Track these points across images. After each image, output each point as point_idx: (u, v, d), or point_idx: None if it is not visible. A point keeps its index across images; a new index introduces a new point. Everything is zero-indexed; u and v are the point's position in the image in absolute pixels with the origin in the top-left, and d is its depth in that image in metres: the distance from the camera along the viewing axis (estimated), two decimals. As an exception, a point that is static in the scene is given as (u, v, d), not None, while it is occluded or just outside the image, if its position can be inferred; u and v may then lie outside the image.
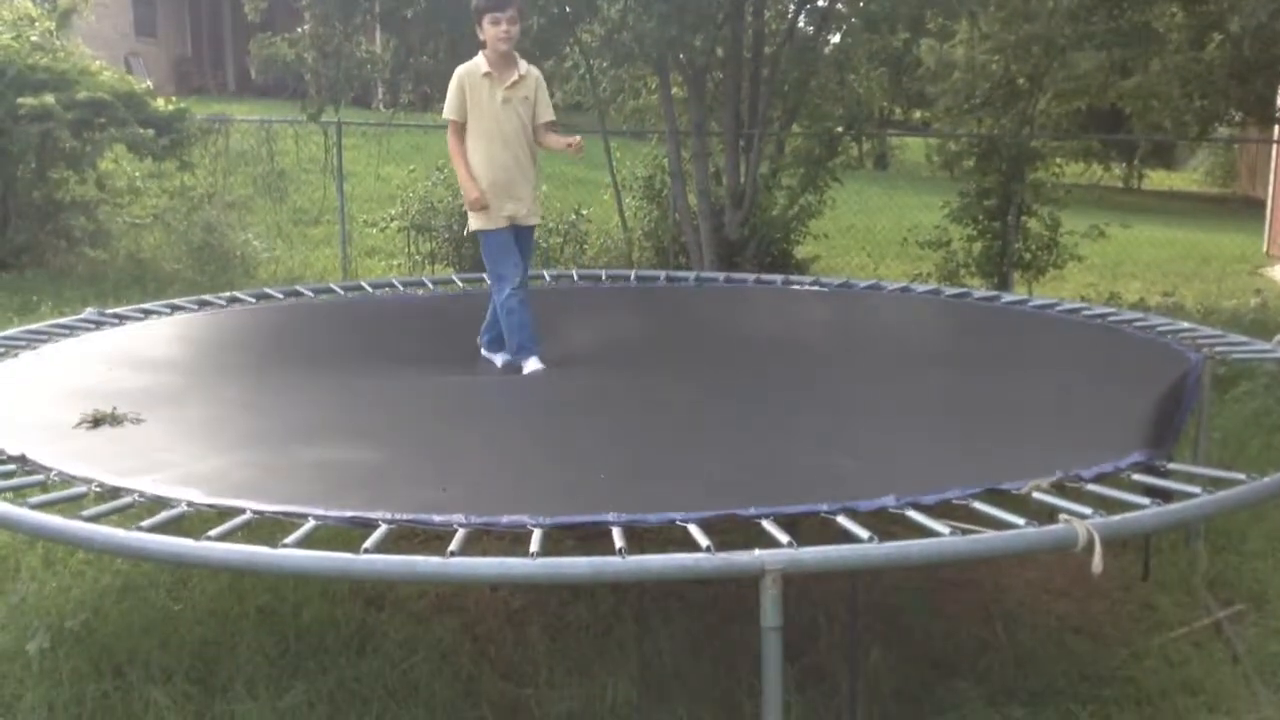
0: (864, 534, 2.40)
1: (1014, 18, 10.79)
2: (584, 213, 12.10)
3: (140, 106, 11.24)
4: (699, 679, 3.32)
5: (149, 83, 12.43)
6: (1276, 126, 14.04)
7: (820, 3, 10.97)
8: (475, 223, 4.87)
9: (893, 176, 23.48)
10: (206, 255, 11.16)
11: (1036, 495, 2.68)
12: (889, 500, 2.63)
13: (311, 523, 2.56)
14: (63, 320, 5.07)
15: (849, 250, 13.43)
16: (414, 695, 3.26)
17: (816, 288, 6.15)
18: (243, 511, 2.64)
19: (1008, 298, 6.01)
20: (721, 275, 6.98)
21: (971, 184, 11.18)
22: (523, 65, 4.81)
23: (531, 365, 4.76)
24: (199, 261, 11.10)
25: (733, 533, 2.56)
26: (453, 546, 2.37)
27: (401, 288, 6.21)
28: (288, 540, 2.44)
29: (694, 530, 2.43)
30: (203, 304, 5.55)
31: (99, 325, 5.01)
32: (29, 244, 10.94)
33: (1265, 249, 16.77)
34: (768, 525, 2.46)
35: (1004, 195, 10.94)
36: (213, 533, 2.46)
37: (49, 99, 10.50)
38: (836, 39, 11.81)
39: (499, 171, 4.76)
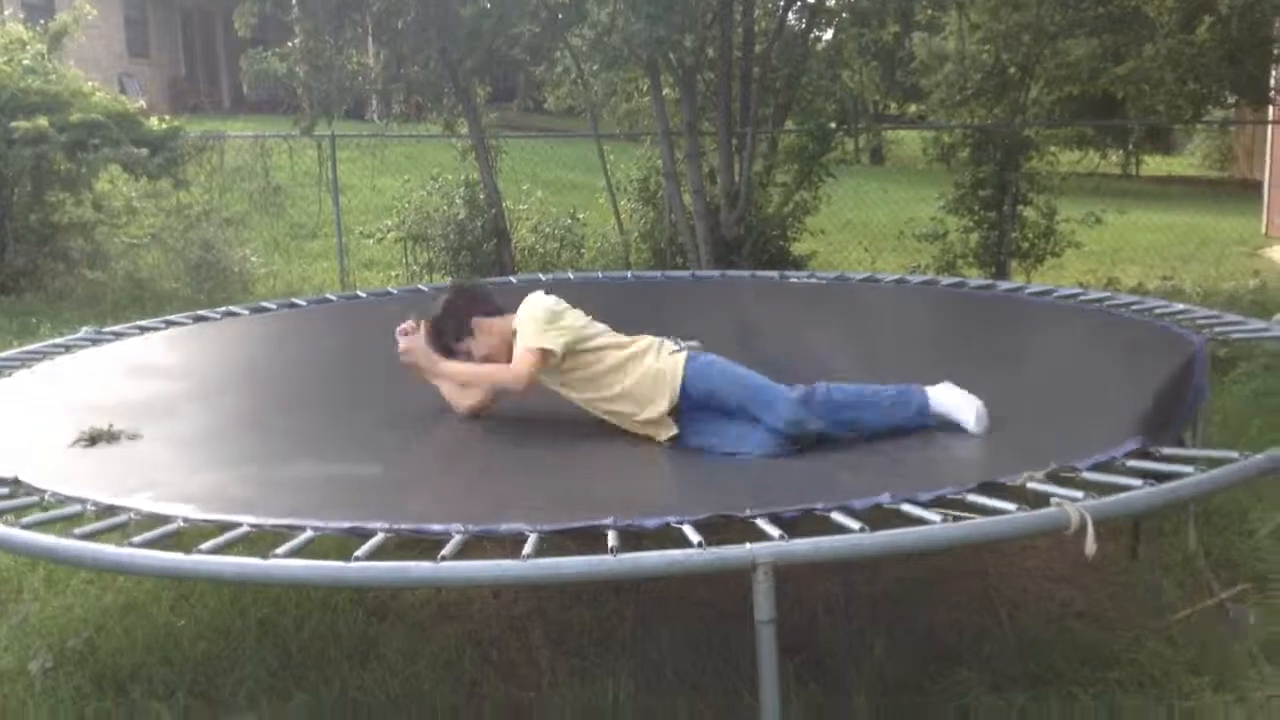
0: (855, 525, 2.39)
1: (1002, 7, 10.80)
2: (580, 217, 12.10)
3: (133, 126, 11.27)
4: (700, 675, 3.32)
5: (142, 102, 12.47)
6: (1270, 108, 14.02)
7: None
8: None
9: (889, 171, 23.47)
10: (204, 273, 11.17)
11: (1031, 485, 2.66)
12: (884, 498, 2.61)
13: (309, 533, 2.56)
14: (59, 340, 5.07)
15: (846, 245, 13.40)
16: (417, 702, 3.26)
17: (812, 281, 6.14)
18: (239, 525, 2.64)
19: (1004, 285, 6.00)
20: (718, 273, 6.97)
21: (966, 175, 11.18)
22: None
23: None
24: (197, 279, 11.11)
25: (730, 532, 2.55)
26: (445, 551, 2.36)
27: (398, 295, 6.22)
28: (279, 550, 2.44)
29: (688, 530, 2.43)
30: (198, 319, 5.55)
31: (95, 343, 5.00)
32: (27, 267, 10.96)
33: (1264, 230, 16.73)
34: (762, 523, 2.45)
35: (999, 185, 10.94)
36: (205, 546, 2.46)
37: (42, 122, 10.54)
38: (828, 35, 11.82)
39: None
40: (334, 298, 6.23)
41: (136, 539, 2.54)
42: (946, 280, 6.32)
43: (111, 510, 2.81)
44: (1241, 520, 4.42)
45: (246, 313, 5.72)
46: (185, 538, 2.69)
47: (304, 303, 5.99)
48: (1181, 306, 4.87)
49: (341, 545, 2.62)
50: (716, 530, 2.50)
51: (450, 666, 3.48)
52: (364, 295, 6.24)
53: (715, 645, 3.46)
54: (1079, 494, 2.52)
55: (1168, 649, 3.46)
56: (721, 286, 6.38)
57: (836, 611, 3.49)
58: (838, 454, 3.48)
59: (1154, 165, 30.71)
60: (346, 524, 2.62)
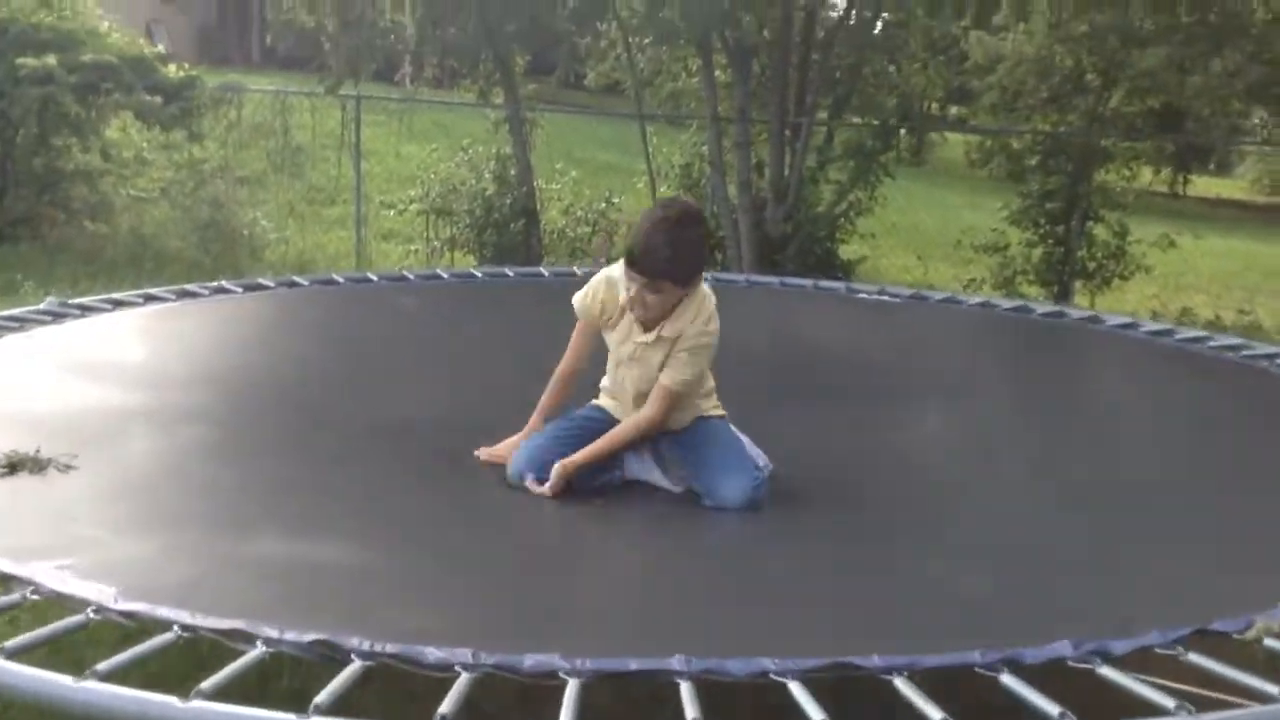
0: (1052, 711, 1.63)
1: (1089, 5, 9.97)
2: (615, 201, 11.33)
3: (148, 71, 10.59)
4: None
5: (161, 47, 11.79)
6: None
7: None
8: None
9: (929, 173, 22.62)
10: (212, 233, 10.46)
11: (1270, 642, 1.91)
12: (1065, 648, 1.86)
13: (259, 649, 1.81)
14: (14, 312, 4.32)
15: (894, 250, 12.60)
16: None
17: (884, 298, 5.37)
18: (168, 626, 1.89)
19: (1090, 316, 5.21)
20: (777, 279, 6.18)
21: (1034, 185, 10.39)
22: (676, 323, 3.21)
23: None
24: (204, 240, 10.41)
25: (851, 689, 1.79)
26: (444, 709, 1.62)
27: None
28: (205, 686, 1.69)
29: (797, 690, 1.67)
30: (182, 294, 4.81)
31: (57, 318, 4.27)
32: (27, 215, 10.29)
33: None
34: (903, 685, 1.70)
35: (1069, 198, 10.16)
36: (103, 666, 1.72)
37: (51, 60, 9.87)
38: (881, 26, 11.03)
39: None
40: (340, 279, 5.46)
41: (17, 641, 1.81)
42: (1043, 308, 5.51)
43: (5, 581, 2.06)
44: None
45: (239, 290, 4.97)
46: (94, 631, 1.96)
47: (306, 282, 5.26)
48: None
49: (301, 666, 1.89)
50: (831, 689, 1.75)
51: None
52: (375, 279, 5.48)
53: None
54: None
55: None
56: (778, 295, 5.62)
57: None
58: (960, 541, 2.73)
59: (1201, 186, 29.82)
60: (310, 635, 1.87)
